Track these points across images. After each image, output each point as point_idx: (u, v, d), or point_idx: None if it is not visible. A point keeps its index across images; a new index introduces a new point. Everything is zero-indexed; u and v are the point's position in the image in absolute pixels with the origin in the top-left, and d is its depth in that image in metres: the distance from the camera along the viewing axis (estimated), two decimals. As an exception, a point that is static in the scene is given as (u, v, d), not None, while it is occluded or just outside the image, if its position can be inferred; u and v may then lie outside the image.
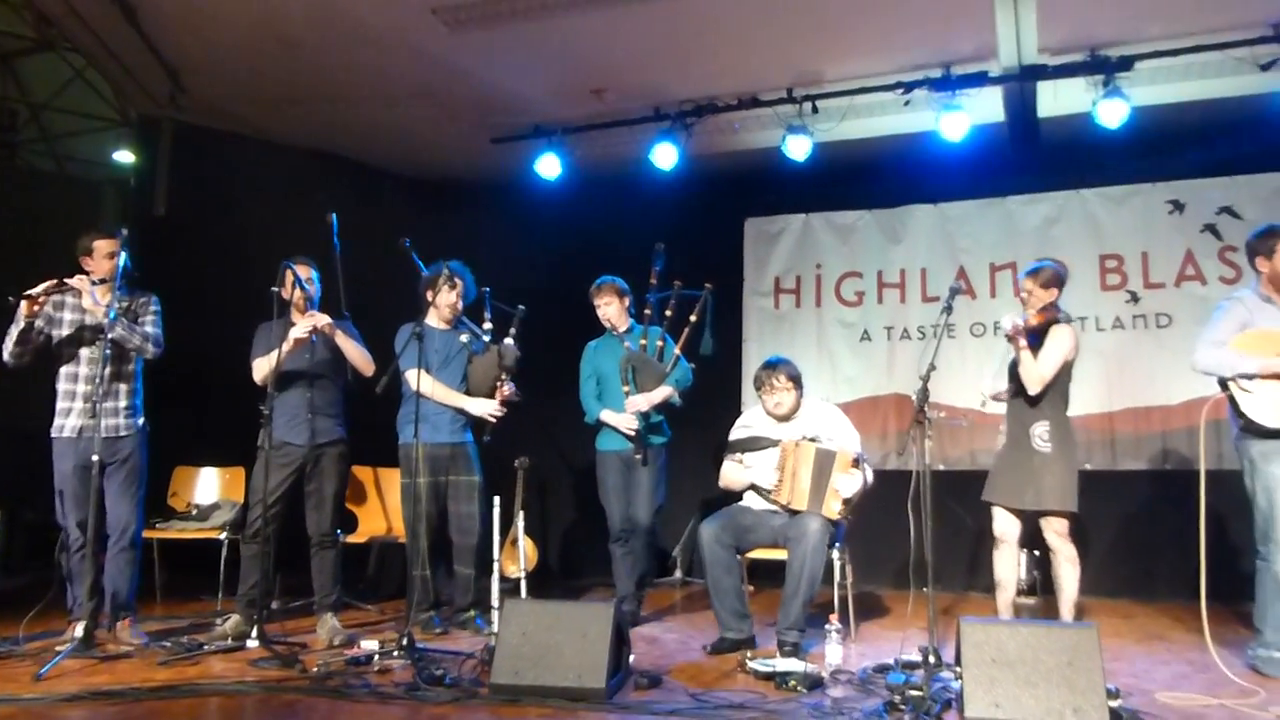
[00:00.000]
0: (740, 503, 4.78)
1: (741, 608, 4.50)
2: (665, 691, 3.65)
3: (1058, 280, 4.55)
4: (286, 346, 4.53)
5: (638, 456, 5.07)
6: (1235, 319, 4.15)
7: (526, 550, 6.45)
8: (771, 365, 4.75)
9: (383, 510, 6.16)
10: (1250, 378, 4.01)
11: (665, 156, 6.42)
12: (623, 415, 5.10)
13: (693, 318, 5.11)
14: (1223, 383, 4.13)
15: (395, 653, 4.04)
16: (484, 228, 7.24)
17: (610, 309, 5.29)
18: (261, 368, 4.66)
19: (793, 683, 3.65)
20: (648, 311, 5.18)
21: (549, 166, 6.72)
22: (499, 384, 4.98)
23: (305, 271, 4.82)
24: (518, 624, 3.65)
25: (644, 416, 5.09)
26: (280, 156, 7.08)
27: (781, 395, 4.68)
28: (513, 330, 4.95)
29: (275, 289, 4.60)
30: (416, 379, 4.61)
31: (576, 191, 7.08)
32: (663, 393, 5.11)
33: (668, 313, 5.20)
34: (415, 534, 4.74)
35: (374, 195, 7.32)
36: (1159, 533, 6.10)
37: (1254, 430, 4.03)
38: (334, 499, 4.80)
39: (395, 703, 3.46)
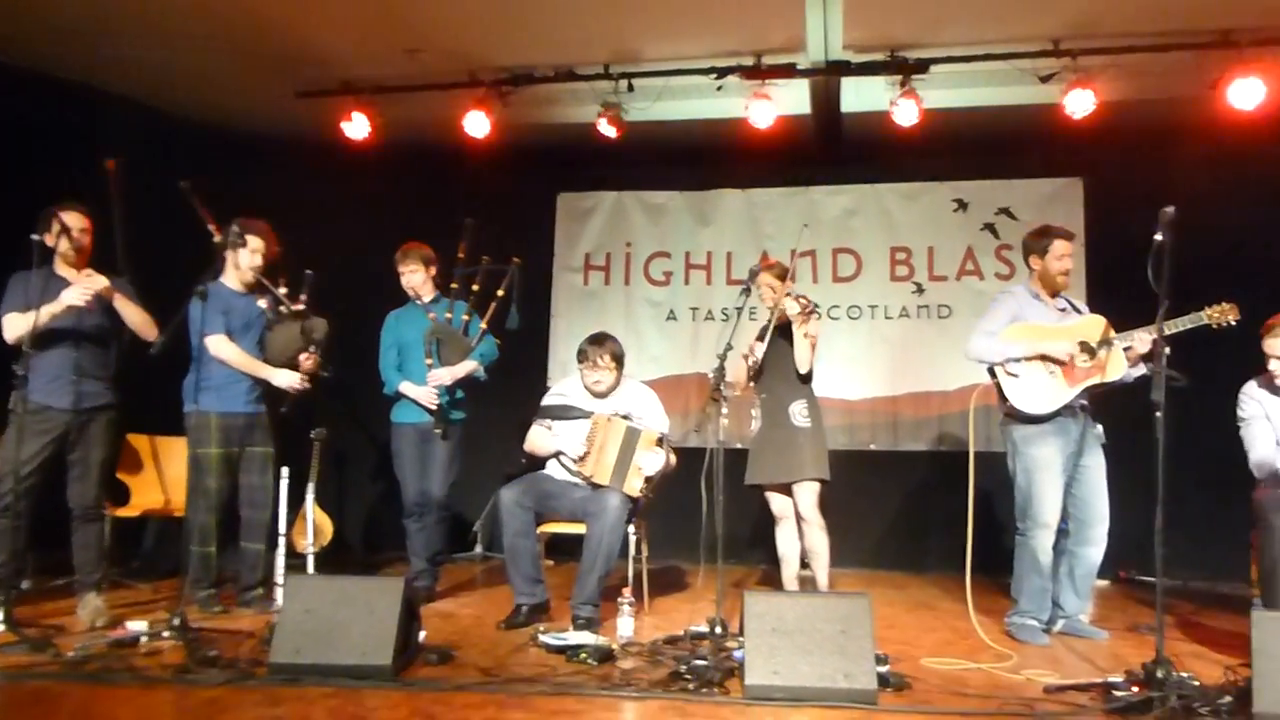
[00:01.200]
0: (543, 470, 4.76)
1: (536, 573, 4.49)
2: (455, 667, 3.59)
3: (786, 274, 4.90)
4: (55, 309, 4.12)
5: (437, 431, 4.96)
6: (1007, 311, 4.47)
7: (320, 525, 6.24)
8: (598, 341, 4.74)
9: (160, 482, 5.74)
10: (1017, 360, 4.34)
11: (478, 125, 6.28)
12: (424, 389, 4.97)
13: (500, 292, 5.04)
14: (991, 370, 4.44)
15: (165, 633, 3.78)
16: (287, 187, 6.83)
17: (415, 277, 5.14)
18: (15, 325, 4.18)
19: (583, 655, 3.67)
20: (454, 285, 5.07)
21: (357, 127, 6.43)
22: (306, 355, 4.75)
23: (77, 220, 4.38)
24: (302, 601, 3.49)
25: (446, 391, 4.98)
26: (51, 91, 6.42)
27: (602, 374, 4.69)
28: (303, 295, 4.72)
29: (36, 236, 4.17)
30: (218, 344, 4.38)
31: (386, 155, 6.81)
32: (466, 367, 5.02)
33: (475, 287, 5.11)
34: (196, 507, 4.47)
35: (164, 143, 6.79)
36: (934, 510, 6.52)
37: (1016, 415, 4.37)
38: (100, 468, 4.43)
39: (161, 687, 3.24)
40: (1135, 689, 3.17)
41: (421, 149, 6.96)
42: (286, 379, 4.71)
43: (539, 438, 4.69)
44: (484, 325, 5.07)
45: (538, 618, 4.42)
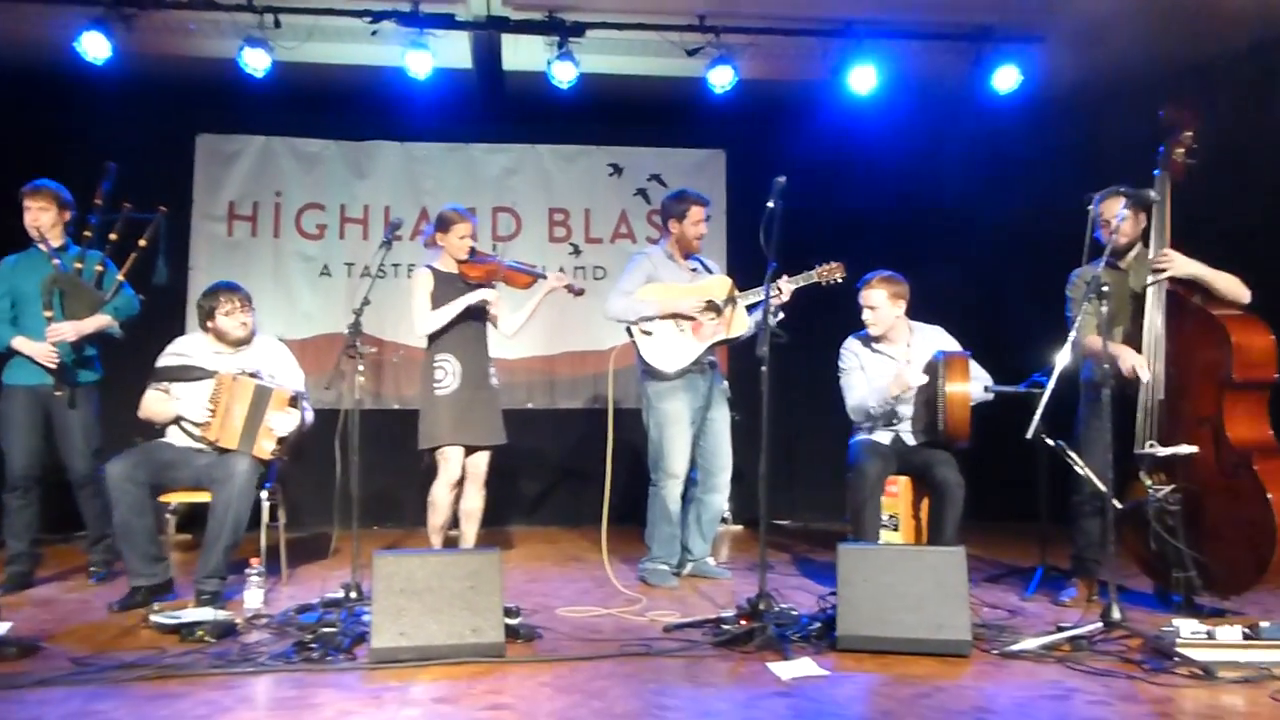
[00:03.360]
0: (162, 439, 4.33)
1: (155, 550, 4.08)
2: (42, 660, 3.19)
3: None
4: None
5: (58, 394, 4.41)
6: (642, 272, 4.66)
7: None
8: (230, 286, 4.35)
9: None
10: (650, 319, 4.54)
11: (96, 47, 5.57)
12: (41, 345, 4.36)
13: (142, 242, 4.54)
14: (629, 329, 4.62)
15: None
16: None
17: (45, 216, 4.49)
18: None
19: (200, 633, 3.41)
20: (88, 234, 4.51)
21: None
22: None
23: None
24: None
25: (72, 349, 4.42)
26: None
27: (249, 315, 4.34)
28: None
29: None
30: None
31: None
32: (96, 322, 4.46)
33: (112, 236, 4.55)
34: None
35: None
36: (588, 465, 6.68)
37: (651, 373, 4.58)
38: None
39: None
40: (742, 622, 3.44)
41: (36, 74, 6.10)
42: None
43: (155, 402, 4.24)
44: (120, 277, 4.54)
45: (159, 599, 4.04)
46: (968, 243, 7.04)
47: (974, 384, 4.25)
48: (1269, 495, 3.52)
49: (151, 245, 4.57)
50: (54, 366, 4.39)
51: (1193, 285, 3.90)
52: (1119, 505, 3.74)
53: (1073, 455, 3.98)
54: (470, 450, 4.61)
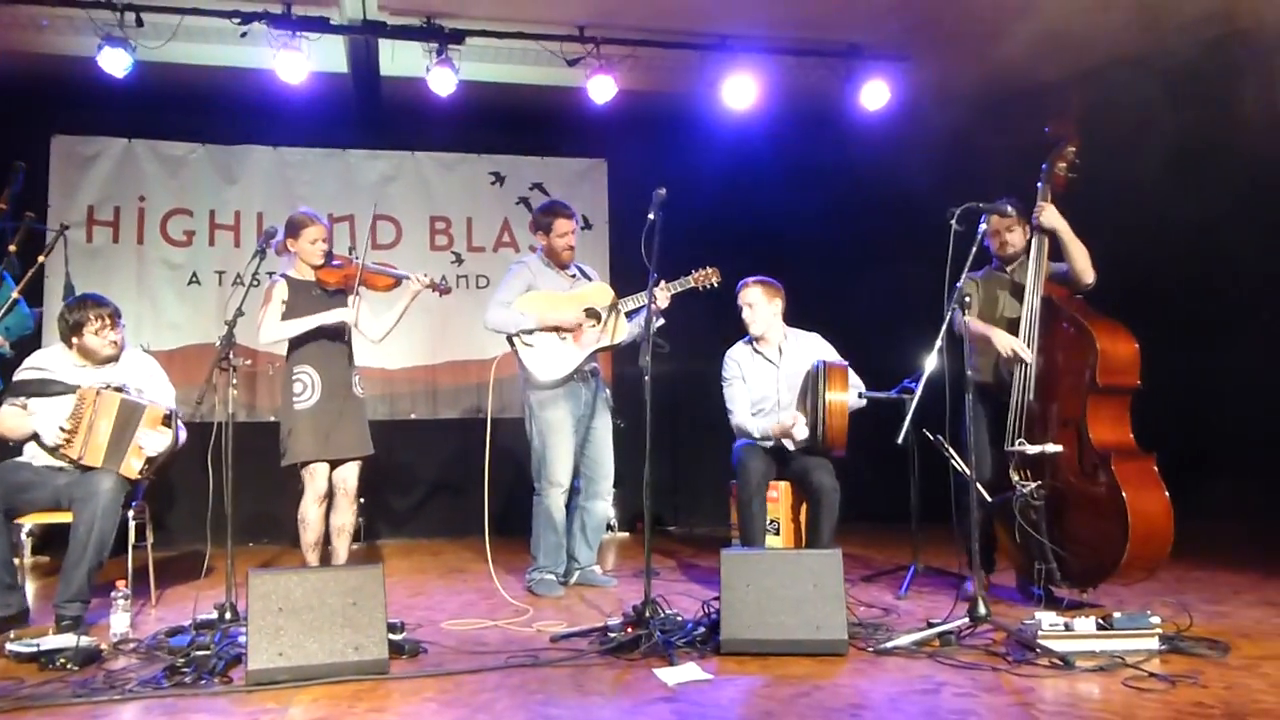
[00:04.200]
0: (19, 458, 4.10)
1: (10, 579, 3.87)
2: (-118, 697, 2.99)
3: None
4: None
5: None
6: (521, 281, 4.66)
7: None
8: (98, 300, 4.13)
9: None
10: (530, 332, 4.55)
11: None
12: None
13: (42, 258, 4.39)
14: (510, 339, 4.61)
15: None
16: None
17: None
18: None
19: (61, 660, 3.24)
20: None
21: None
22: None
23: None
24: None
25: None
26: None
27: (119, 333, 4.13)
28: None
29: None
30: None
31: None
32: None
33: (12, 247, 4.38)
34: None
35: None
36: (472, 475, 6.64)
37: (532, 381, 4.59)
38: None
39: None
40: (628, 630, 3.47)
41: None
42: None
43: (10, 418, 4.00)
44: (16, 294, 4.36)
45: (13, 628, 3.81)
46: (841, 251, 7.28)
47: (851, 392, 4.39)
48: (1124, 494, 3.73)
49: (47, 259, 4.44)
50: None
51: (1067, 285, 4.13)
52: (989, 499, 3.95)
53: (949, 449, 4.13)
54: (335, 464, 4.41)
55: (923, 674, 3.09)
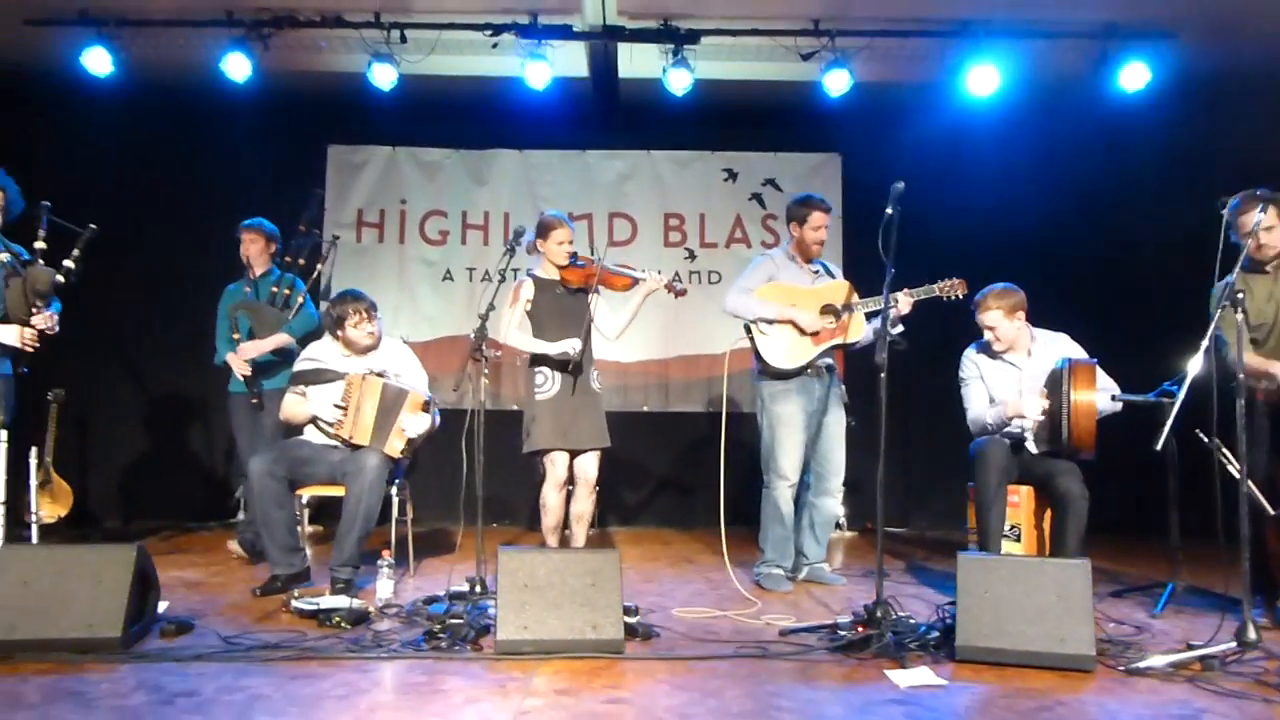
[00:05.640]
0: (299, 436, 4.59)
1: (293, 541, 4.33)
2: (196, 637, 3.44)
3: None
4: None
5: (253, 401, 5.18)
6: (764, 272, 4.71)
7: (57, 493, 5.80)
8: (357, 295, 4.58)
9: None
10: (770, 322, 4.58)
11: (238, 68, 5.94)
12: (235, 360, 5.19)
13: (321, 265, 5.24)
14: (747, 326, 4.67)
15: None
16: (25, 128, 6.28)
17: (254, 247, 5.32)
18: None
19: (336, 619, 3.60)
20: (289, 259, 5.45)
21: (98, 60, 5.91)
22: (34, 310, 4.35)
23: None
24: (17, 573, 3.24)
25: (261, 361, 5.19)
26: None
27: (375, 324, 4.57)
28: (75, 252, 4.35)
29: None
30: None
31: (138, 96, 6.36)
32: (275, 341, 5.19)
33: (301, 260, 5.48)
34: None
35: None
36: (701, 468, 6.75)
37: (767, 372, 4.62)
38: None
39: None
40: (858, 629, 3.44)
41: (178, 90, 6.53)
42: (9, 335, 4.31)
43: (292, 405, 4.51)
44: (301, 299, 5.27)
45: (296, 586, 4.28)
46: (1093, 246, 6.85)
47: (1101, 394, 4.13)
48: None
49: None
50: (242, 378, 5.18)
51: None
52: (1270, 510, 3.61)
53: (1226, 453, 3.71)
54: (575, 454, 4.62)
55: (1179, 698, 2.88)
